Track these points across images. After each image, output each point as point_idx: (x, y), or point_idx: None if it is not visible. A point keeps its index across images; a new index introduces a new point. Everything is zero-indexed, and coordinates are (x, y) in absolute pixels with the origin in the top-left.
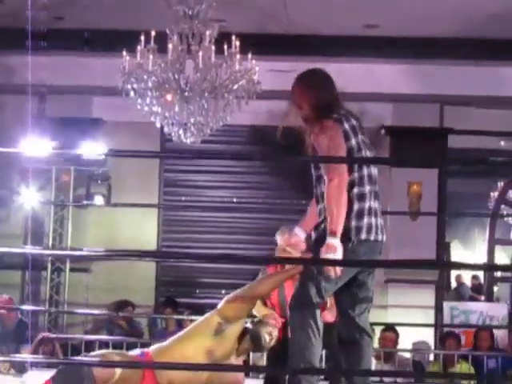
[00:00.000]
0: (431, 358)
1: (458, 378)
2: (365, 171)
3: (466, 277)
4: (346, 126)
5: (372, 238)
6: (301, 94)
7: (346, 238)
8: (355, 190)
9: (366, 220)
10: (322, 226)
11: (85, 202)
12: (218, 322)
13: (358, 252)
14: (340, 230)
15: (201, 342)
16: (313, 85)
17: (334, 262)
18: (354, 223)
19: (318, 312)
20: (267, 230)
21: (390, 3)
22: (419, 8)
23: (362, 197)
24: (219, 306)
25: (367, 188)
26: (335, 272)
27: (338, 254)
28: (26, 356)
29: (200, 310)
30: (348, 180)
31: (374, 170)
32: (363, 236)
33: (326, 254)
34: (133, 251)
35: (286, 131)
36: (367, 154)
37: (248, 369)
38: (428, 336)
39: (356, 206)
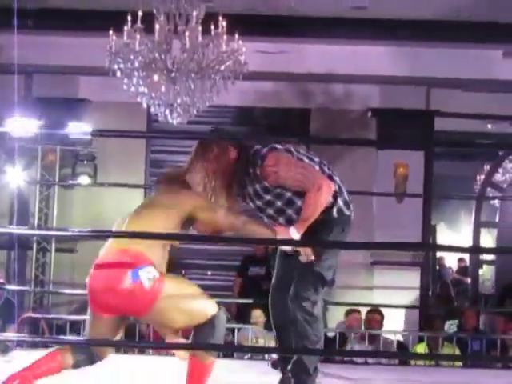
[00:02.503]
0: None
1: (443, 359)
2: None
3: (450, 259)
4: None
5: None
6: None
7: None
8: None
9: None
10: None
11: (70, 182)
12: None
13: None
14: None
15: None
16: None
17: (320, 243)
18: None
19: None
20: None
21: None
22: None
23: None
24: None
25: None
26: (308, 256)
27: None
28: (10, 334)
29: None
30: None
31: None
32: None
33: (280, 234)
34: (118, 232)
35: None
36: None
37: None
38: (413, 318)
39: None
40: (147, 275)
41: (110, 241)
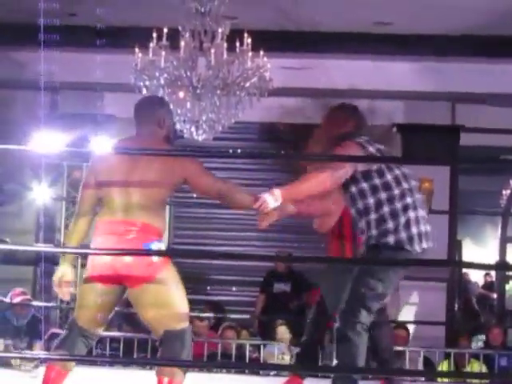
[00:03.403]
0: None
1: (469, 377)
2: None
3: (476, 274)
4: (371, 149)
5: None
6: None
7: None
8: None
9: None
10: (368, 242)
11: None
12: None
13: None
14: (291, 197)
15: None
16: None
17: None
18: (404, 233)
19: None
20: (278, 228)
21: (402, 0)
22: (431, 5)
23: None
24: None
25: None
26: (264, 223)
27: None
28: (36, 353)
29: (217, 307)
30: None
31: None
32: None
33: (266, 195)
34: (142, 249)
35: (296, 128)
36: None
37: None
38: (439, 334)
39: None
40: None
41: (114, 210)
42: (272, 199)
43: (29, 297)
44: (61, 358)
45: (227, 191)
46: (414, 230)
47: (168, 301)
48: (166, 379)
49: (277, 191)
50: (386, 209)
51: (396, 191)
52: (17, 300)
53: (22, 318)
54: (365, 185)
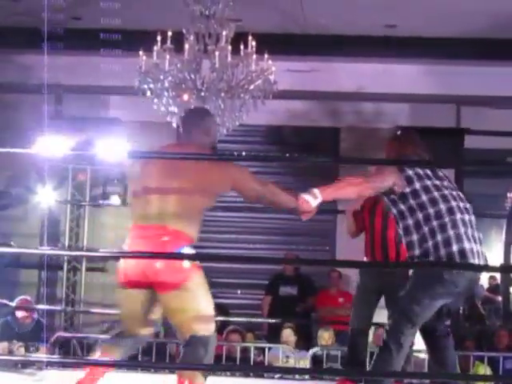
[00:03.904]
0: None
1: (474, 379)
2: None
3: (481, 277)
4: (409, 172)
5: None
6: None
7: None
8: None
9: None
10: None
11: (101, 202)
12: None
13: (458, 283)
14: (329, 198)
15: None
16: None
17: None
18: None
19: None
20: (284, 230)
21: (408, 3)
22: (437, 8)
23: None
24: None
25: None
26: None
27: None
28: (41, 356)
29: (221, 310)
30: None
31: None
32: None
33: (307, 196)
34: (148, 252)
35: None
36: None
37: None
38: None
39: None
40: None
41: (147, 215)
42: (312, 199)
43: (32, 305)
44: (63, 360)
45: (272, 195)
46: (454, 247)
47: (195, 307)
48: (186, 382)
49: (316, 191)
50: (425, 228)
51: (433, 210)
52: (19, 312)
53: (24, 327)
54: (403, 206)
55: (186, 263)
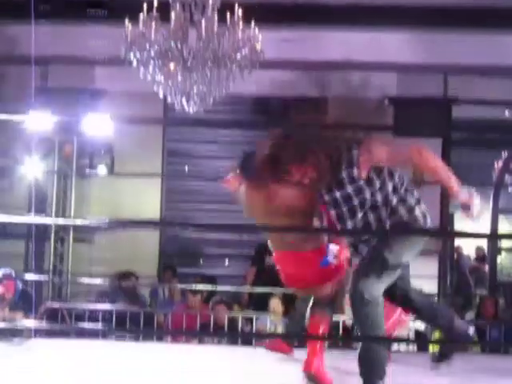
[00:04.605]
0: None
1: (460, 345)
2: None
3: (468, 248)
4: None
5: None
6: None
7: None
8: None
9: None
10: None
11: (88, 172)
12: None
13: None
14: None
15: None
16: None
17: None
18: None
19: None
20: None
21: None
22: None
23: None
24: None
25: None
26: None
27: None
28: (29, 323)
29: (208, 279)
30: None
31: None
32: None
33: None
34: (136, 221)
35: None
36: None
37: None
38: None
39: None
40: (332, 257)
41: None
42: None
43: (12, 278)
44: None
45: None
46: (423, 207)
47: None
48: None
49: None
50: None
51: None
52: None
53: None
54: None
55: (333, 262)
